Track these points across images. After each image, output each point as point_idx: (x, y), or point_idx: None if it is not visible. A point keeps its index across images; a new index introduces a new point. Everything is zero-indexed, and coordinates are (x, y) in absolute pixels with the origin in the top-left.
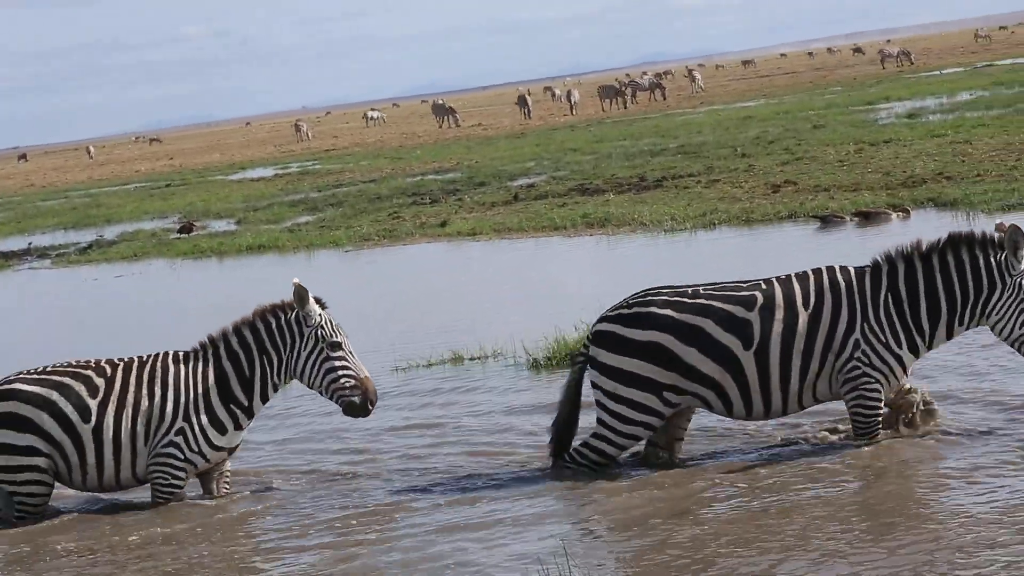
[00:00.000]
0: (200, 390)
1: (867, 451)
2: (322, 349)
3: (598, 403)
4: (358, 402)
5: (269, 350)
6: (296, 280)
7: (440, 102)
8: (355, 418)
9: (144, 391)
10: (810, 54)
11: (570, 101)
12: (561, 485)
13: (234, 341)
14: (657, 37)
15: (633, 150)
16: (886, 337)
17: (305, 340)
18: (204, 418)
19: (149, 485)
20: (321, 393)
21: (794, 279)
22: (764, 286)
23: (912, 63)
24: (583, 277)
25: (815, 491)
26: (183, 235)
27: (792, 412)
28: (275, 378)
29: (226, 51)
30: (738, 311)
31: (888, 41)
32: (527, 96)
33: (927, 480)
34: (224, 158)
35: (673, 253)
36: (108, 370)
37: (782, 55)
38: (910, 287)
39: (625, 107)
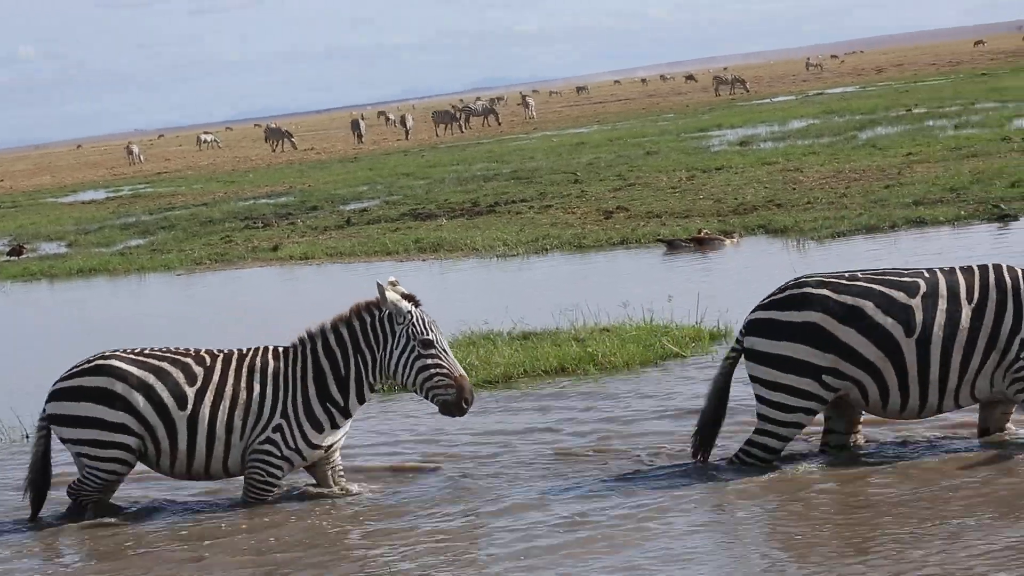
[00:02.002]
0: (299, 387)
1: None
2: (414, 347)
3: (757, 397)
4: (452, 400)
5: (363, 348)
6: (381, 280)
7: (274, 126)
8: (452, 417)
9: (243, 384)
10: (643, 81)
11: (404, 126)
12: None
13: (331, 338)
14: (492, 63)
15: (466, 175)
16: None
17: (397, 338)
18: (302, 415)
19: (243, 479)
20: (416, 392)
21: (958, 271)
22: (927, 274)
23: (747, 91)
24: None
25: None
26: (13, 258)
27: (948, 410)
28: (370, 377)
29: (60, 74)
30: (900, 296)
31: (725, 69)
32: (360, 120)
33: None
34: (55, 180)
35: (504, 278)
36: (207, 360)
37: (616, 82)
38: None
39: (462, 131)
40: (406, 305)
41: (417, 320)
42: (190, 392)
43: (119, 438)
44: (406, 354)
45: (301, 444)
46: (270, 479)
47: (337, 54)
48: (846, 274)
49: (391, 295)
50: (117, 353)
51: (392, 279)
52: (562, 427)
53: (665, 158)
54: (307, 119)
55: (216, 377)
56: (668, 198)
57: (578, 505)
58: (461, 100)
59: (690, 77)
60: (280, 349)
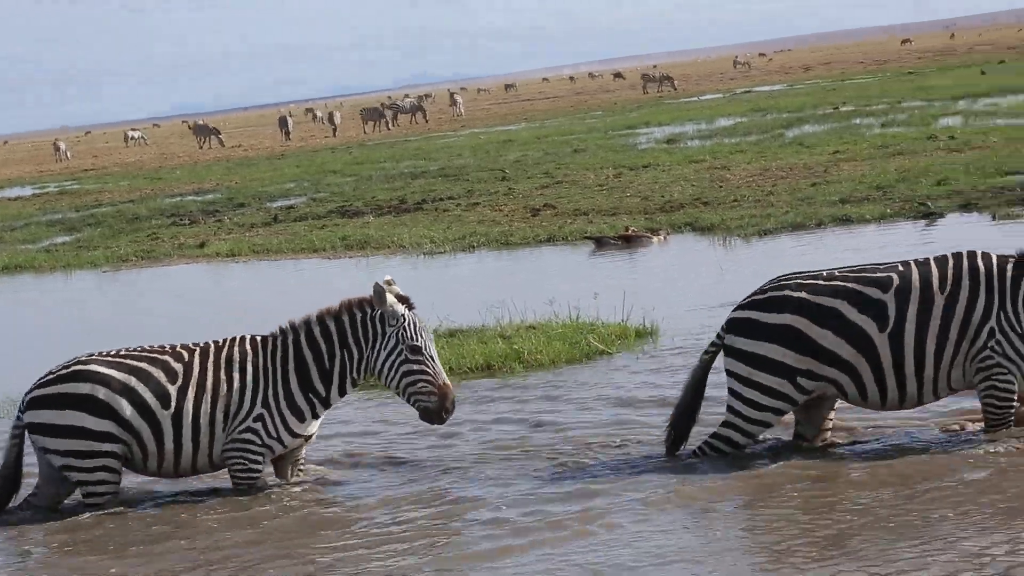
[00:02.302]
0: (279, 376)
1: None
2: (402, 351)
3: (730, 391)
4: (434, 408)
5: (351, 344)
6: (380, 280)
7: (202, 122)
8: (431, 424)
9: (223, 376)
10: (571, 79)
11: (332, 123)
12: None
13: (316, 330)
14: (420, 61)
15: (394, 173)
16: (1022, 328)
17: (386, 339)
18: (283, 405)
19: (228, 471)
20: (399, 395)
21: (932, 262)
22: (901, 268)
23: (675, 88)
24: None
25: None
26: None
27: (928, 401)
28: (354, 373)
29: None
30: (873, 292)
31: (654, 67)
32: (288, 117)
33: None
34: None
35: (430, 275)
36: (185, 355)
37: (544, 80)
38: None
39: (389, 128)
40: (401, 308)
41: (409, 324)
42: (172, 390)
43: (104, 447)
44: (393, 356)
45: (283, 433)
46: (252, 467)
47: (266, 51)
48: (824, 273)
49: (390, 297)
50: (94, 358)
51: (388, 278)
52: (493, 425)
53: (592, 156)
54: (235, 116)
55: (196, 372)
56: (595, 196)
57: (517, 503)
58: (389, 97)
59: (618, 75)
60: (259, 339)
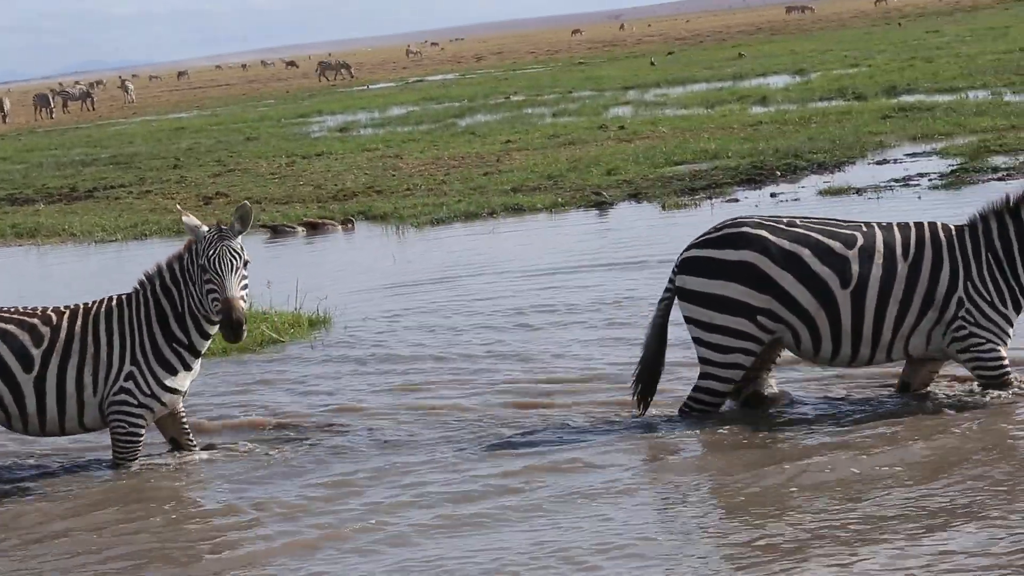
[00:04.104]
0: (145, 331)
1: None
2: (205, 270)
3: (694, 339)
4: (223, 322)
5: (189, 281)
6: (180, 207)
7: None
8: (230, 343)
9: (91, 338)
10: (244, 67)
11: (1, 110)
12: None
13: (167, 277)
14: (90, 46)
15: (65, 160)
16: (990, 295)
17: (197, 268)
18: (152, 359)
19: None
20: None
21: (895, 227)
22: (865, 228)
23: (352, 76)
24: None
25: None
26: None
27: (879, 363)
28: (202, 310)
29: None
30: (837, 246)
31: (329, 55)
32: None
33: None
34: None
35: (97, 264)
36: (54, 318)
37: (217, 67)
38: (1012, 242)
39: (51, 116)
40: (203, 230)
41: (202, 241)
42: (36, 353)
43: None
44: (200, 282)
45: (157, 389)
46: (133, 430)
47: None
48: (784, 219)
49: (186, 218)
50: None
51: (178, 207)
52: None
53: (265, 144)
54: None
55: (63, 335)
56: (268, 184)
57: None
58: (60, 84)
59: (291, 63)
60: (124, 296)
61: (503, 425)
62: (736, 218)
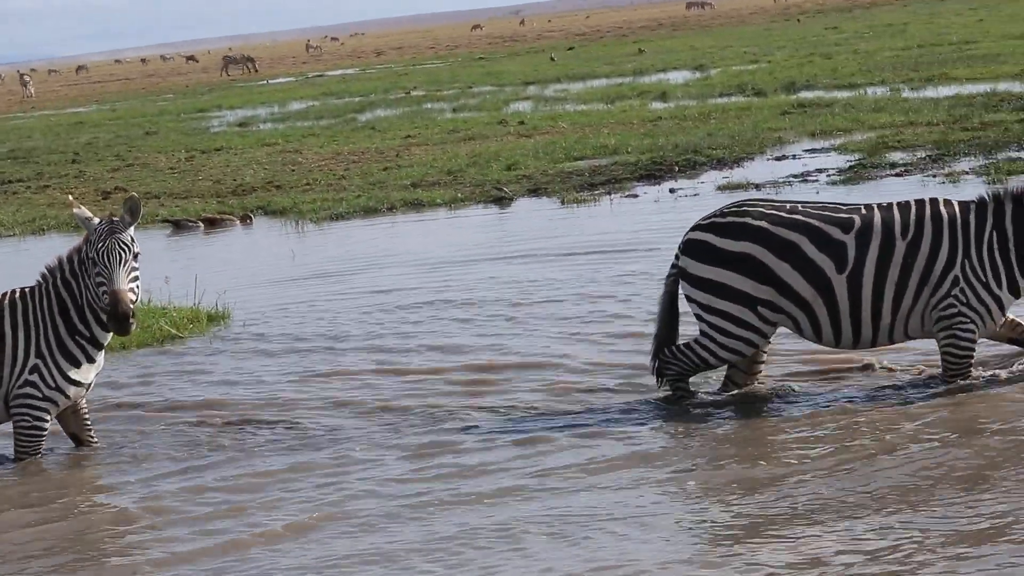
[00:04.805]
0: (48, 324)
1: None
2: (96, 264)
3: (697, 316)
4: (108, 313)
5: (87, 273)
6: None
7: None
8: (119, 336)
9: None
10: (143, 61)
11: None
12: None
13: (67, 269)
14: None
15: None
16: (987, 277)
17: (88, 261)
18: (57, 352)
19: (12, 429)
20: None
21: (895, 207)
22: (864, 211)
23: (256, 70)
24: None
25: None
26: None
27: (882, 344)
28: (98, 302)
29: None
30: (835, 232)
31: (230, 49)
32: None
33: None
34: None
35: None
36: None
37: (116, 61)
38: (1018, 227)
39: None
40: (95, 222)
41: (93, 235)
42: None
43: None
44: (92, 275)
45: (61, 382)
46: (37, 423)
47: None
48: (787, 205)
49: (77, 210)
50: None
51: (71, 199)
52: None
53: (165, 138)
54: None
55: None
56: (167, 179)
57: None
58: None
59: (191, 58)
60: (26, 289)
61: (408, 414)
62: (741, 203)
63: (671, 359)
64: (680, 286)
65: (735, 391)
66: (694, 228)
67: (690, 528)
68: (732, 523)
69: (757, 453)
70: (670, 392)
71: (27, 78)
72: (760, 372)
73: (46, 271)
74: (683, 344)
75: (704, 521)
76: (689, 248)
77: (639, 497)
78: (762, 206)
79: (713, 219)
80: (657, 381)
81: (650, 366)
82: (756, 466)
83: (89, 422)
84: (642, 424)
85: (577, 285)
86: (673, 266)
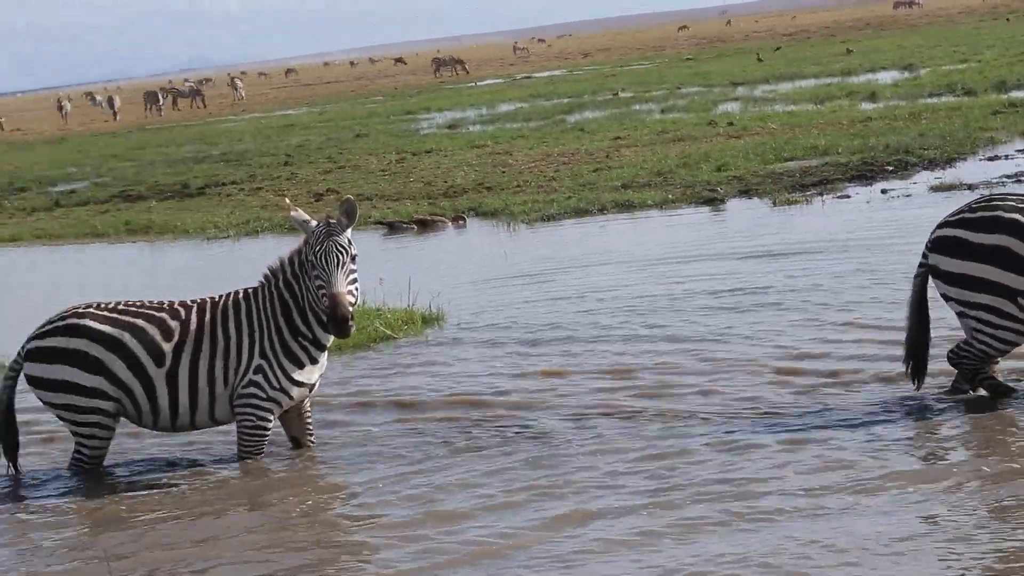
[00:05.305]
0: (271, 324)
1: None
2: (313, 266)
3: (958, 315)
4: (328, 316)
5: (308, 275)
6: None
7: None
8: (338, 338)
9: (219, 331)
10: (352, 63)
11: (112, 107)
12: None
13: (289, 270)
14: (197, 44)
15: (176, 157)
16: None
17: (307, 263)
18: (280, 353)
19: (236, 429)
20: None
21: None
22: None
23: (467, 71)
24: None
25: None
26: None
27: None
28: (318, 304)
29: None
30: None
31: (439, 51)
32: (66, 101)
33: None
34: None
35: (209, 260)
36: (182, 312)
37: (325, 64)
38: None
39: (160, 113)
40: (312, 224)
41: (312, 237)
42: (167, 347)
43: (96, 403)
44: (310, 277)
45: (284, 383)
46: (260, 424)
47: (40, 34)
48: None
49: (294, 213)
50: (90, 311)
51: (287, 202)
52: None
53: (375, 141)
54: (10, 100)
55: (193, 328)
56: (378, 181)
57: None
58: (170, 82)
59: (399, 60)
60: (250, 290)
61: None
62: (989, 198)
63: (960, 358)
64: (932, 283)
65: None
66: (942, 225)
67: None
68: None
69: None
70: (985, 385)
71: (238, 81)
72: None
73: (268, 272)
74: (962, 342)
75: None
76: (940, 245)
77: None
78: (1012, 200)
79: (962, 215)
80: (912, 383)
81: (904, 367)
82: None
83: (311, 426)
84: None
85: (808, 282)
86: (921, 264)
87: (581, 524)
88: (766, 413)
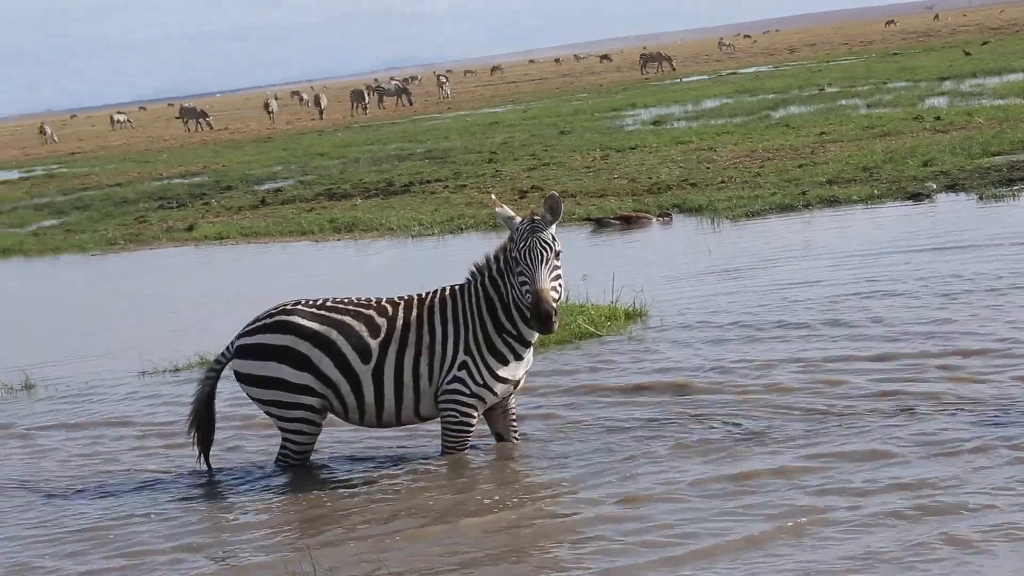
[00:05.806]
0: (476, 321)
1: None
2: (517, 261)
3: None
4: (531, 311)
5: (513, 271)
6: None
7: (189, 105)
8: (540, 333)
9: (425, 328)
10: (557, 60)
11: (318, 106)
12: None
13: (494, 267)
14: (400, 42)
15: (381, 155)
16: None
17: (512, 259)
18: (484, 349)
19: (440, 425)
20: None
21: None
22: None
23: (674, 68)
24: (325, 280)
25: None
26: None
27: None
28: (522, 300)
29: None
30: None
31: (645, 48)
32: (272, 100)
33: None
34: None
35: (415, 257)
36: (389, 309)
37: (530, 61)
38: None
39: (366, 111)
40: (517, 220)
41: (515, 233)
42: (374, 344)
43: (303, 400)
44: (514, 274)
45: (489, 379)
46: (464, 419)
47: (248, 34)
48: None
49: (500, 209)
50: (299, 308)
51: (493, 197)
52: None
53: (579, 138)
54: (219, 99)
55: (399, 325)
56: (583, 178)
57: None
58: (376, 80)
59: (604, 57)
60: (456, 287)
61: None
62: None
63: None
64: None
65: None
66: None
67: None
68: None
69: None
70: None
71: (443, 79)
72: None
73: (475, 269)
74: None
75: None
76: None
77: None
78: None
79: None
80: None
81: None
82: None
83: (516, 422)
84: None
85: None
86: None
87: None
88: None
